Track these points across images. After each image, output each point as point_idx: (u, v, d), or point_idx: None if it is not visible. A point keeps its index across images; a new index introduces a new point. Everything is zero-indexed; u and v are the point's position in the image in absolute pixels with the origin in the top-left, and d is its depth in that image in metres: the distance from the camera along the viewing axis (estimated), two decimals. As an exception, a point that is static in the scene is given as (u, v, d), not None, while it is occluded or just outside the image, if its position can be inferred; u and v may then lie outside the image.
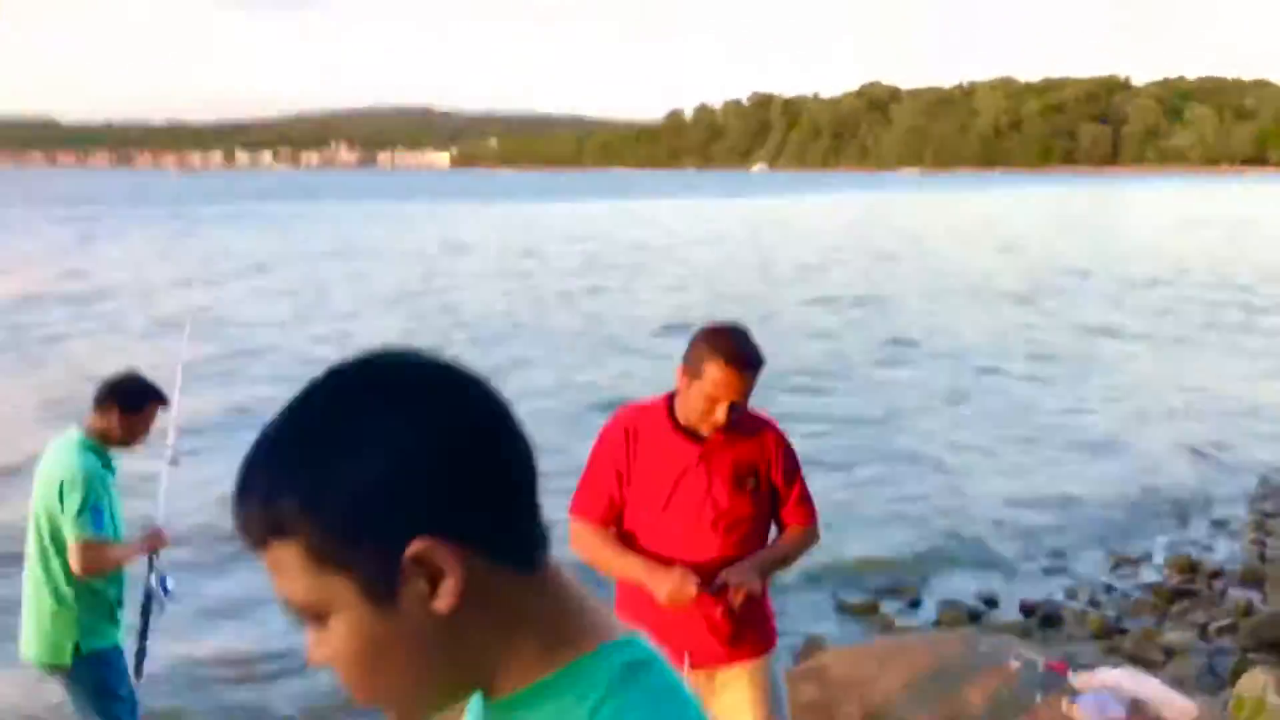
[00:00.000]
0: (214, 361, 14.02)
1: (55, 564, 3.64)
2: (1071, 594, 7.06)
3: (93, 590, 3.68)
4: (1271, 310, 20.66)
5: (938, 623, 6.56)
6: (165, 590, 3.83)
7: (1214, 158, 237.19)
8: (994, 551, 7.95)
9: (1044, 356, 15.64)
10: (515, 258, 31.67)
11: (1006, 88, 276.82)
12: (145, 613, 3.87)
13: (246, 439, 0.85)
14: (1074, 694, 4.09)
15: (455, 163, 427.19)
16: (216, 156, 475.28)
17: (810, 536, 3.10)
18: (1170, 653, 5.78)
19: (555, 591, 0.87)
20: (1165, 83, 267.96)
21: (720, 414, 2.84)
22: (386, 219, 54.11)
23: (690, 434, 2.93)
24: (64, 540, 3.61)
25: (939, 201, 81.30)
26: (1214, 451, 10.53)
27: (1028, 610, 6.72)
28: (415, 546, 0.79)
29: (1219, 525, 8.56)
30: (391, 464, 0.79)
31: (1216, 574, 7.23)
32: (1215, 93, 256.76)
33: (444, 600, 0.80)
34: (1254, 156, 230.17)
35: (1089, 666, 4.44)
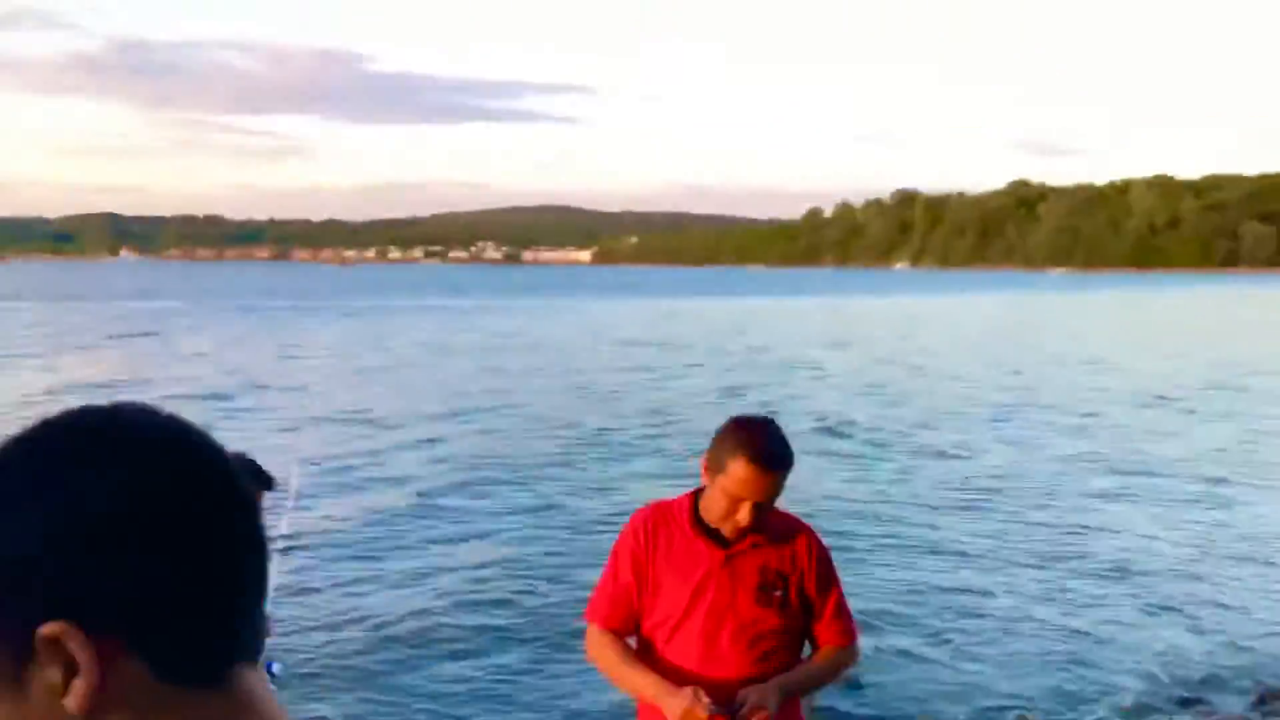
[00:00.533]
0: (360, 456, 13.78)
1: None
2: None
3: None
4: None
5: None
6: (271, 674, 3.76)
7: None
8: (1127, 678, 7.23)
9: (1213, 461, 14.54)
10: (664, 353, 31.36)
11: (1163, 186, 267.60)
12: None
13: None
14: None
15: (596, 259, 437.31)
16: (370, 252, 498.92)
17: (847, 656, 2.84)
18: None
19: (238, 713, 0.73)
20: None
21: (744, 515, 2.61)
22: (536, 312, 55.17)
23: (714, 536, 2.70)
24: None
25: (1095, 301, 78.31)
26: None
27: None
28: (48, 628, 0.68)
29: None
30: (49, 528, 0.69)
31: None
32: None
33: (73, 699, 0.68)
34: None
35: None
